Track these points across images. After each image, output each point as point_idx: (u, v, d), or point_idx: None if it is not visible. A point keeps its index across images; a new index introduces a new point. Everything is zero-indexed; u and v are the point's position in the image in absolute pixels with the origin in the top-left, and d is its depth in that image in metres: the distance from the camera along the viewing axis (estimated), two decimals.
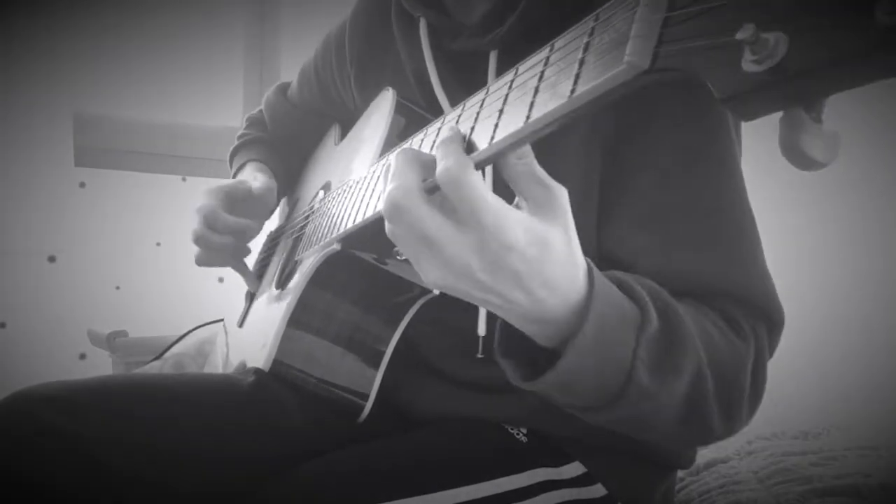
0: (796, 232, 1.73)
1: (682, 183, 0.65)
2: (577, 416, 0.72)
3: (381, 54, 0.87)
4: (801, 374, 1.52)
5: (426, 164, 0.46)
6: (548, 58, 0.42)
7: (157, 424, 0.68)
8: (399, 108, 0.79)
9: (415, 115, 0.80)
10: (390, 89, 0.81)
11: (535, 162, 0.44)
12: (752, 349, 0.61)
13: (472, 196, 0.42)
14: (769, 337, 0.64)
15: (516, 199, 0.46)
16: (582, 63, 0.38)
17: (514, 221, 0.43)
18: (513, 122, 0.42)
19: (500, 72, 0.72)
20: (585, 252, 0.48)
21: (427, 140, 0.54)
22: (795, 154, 0.31)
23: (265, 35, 2.06)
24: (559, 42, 0.41)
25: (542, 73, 0.41)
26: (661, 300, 0.54)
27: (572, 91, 0.37)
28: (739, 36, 0.29)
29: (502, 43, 0.72)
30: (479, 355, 0.74)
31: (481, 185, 0.43)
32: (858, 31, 0.25)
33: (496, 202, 0.43)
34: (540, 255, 0.44)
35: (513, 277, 0.44)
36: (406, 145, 0.57)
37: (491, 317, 0.73)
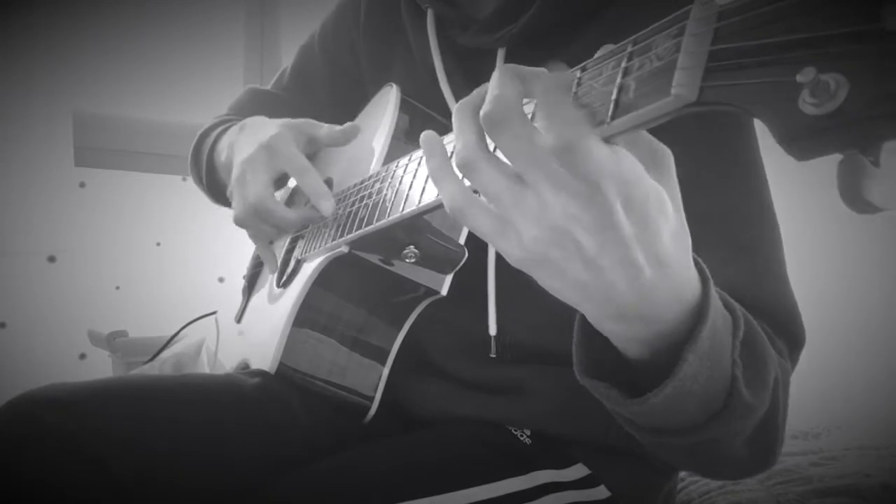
0: (796, 232, 1.73)
1: (708, 191, 0.62)
2: (578, 417, 0.72)
3: (390, 38, 0.87)
4: (801, 374, 1.52)
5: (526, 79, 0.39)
6: (580, 78, 0.40)
7: (159, 426, 0.68)
8: (404, 106, 0.78)
9: (420, 112, 0.79)
10: (393, 85, 0.81)
11: None
12: (789, 366, 0.58)
13: (593, 153, 0.35)
14: (791, 358, 0.61)
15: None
16: (621, 89, 0.37)
17: (635, 173, 0.36)
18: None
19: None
20: None
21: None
22: (854, 199, 0.30)
23: (265, 35, 2.06)
24: (592, 62, 0.40)
25: (576, 94, 0.40)
26: (731, 299, 0.49)
27: (612, 117, 0.36)
28: (800, 79, 0.28)
29: (511, 42, 0.72)
30: (493, 355, 0.73)
31: (600, 141, 0.36)
32: None
33: (617, 150, 0.36)
34: (656, 220, 0.36)
35: (622, 244, 0.36)
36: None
37: (501, 316, 0.73)
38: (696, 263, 0.42)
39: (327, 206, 0.69)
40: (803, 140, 0.29)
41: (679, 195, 0.39)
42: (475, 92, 0.42)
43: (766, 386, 0.48)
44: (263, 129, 0.77)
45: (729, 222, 0.62)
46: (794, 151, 0.30)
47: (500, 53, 0.73)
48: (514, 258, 0.40)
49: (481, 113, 0.38)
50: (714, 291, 0.42)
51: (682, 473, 1.06)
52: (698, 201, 0.60)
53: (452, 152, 0.43)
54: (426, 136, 0.45)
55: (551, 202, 0.36)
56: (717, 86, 0.32)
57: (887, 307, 1.66)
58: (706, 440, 0.46)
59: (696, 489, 1.04)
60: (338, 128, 0.77)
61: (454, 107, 0.42)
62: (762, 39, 0.30)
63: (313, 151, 0.79)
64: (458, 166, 0.40)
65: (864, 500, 0.93)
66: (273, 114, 0.88)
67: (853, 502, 0.93)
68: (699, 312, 0.41)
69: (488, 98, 0.38)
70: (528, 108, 0.42)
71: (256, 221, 0.75)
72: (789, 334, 0.61)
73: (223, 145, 0.89)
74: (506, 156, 0.38)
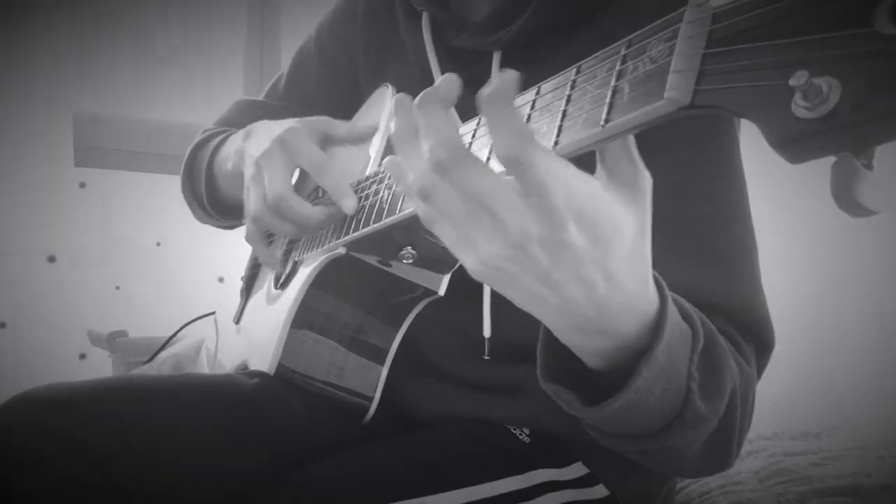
0: (796, 232, 1.73)
1: (684, 195, 0.63)
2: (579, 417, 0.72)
3: (386, 40, 0.87)
4: (801, 375, 1.52)
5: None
6: (574, 80, 0.40)
7: (159, 426, 0.68)
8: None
9: None
10: (389, 86, 0.81)
11: (632, 136, 0.39)
12: (754, 372, 0.59)
13: (539, 167, 0.36)
14: (758, 361, 0.62)
15: (596, 172, 0.41)
16: (615, 92, 0.37)
17: (588, 191, 0.37)
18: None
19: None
20: None
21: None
22: (847, 202, 0.31)
23: (265, 35, 2.06)
24: (587, 64, 0.40)
25: (569, 96, 0.40)
26: (701, 316, 0.50)
27: (606, 120, 0.36)
28: (793, 82, 0.28)
29: (507, 44, 0.72)
30: (486, 357, 0.73)
31: (549, 153, 0.37)
32: None
33: (567, 166, 0.37)
34: (609, 240, 0.38)
35: (574, 261, 0.37)
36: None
37: (496, 317, 0.73)
38: (655, 280, 0.43)
39: (350, 203, 0.66)
40: (796, 143, 0.29)
41: (648, 220, 0.40)
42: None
43: (721, 397, 0.49)
44: (274, 128, 0.74)
45: (704, 229, 0.63)
46: (787, 154, 0.30)
47: (496, 56, 0.73)
48: (472, 271, 0.41)
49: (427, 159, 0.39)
50: (671, 309, 0.43)
51: None
52: (676, 208, 0.62)
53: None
54: (388, 160, 0.46)
55: (505, 219, 0.37)
56: (710, 89, 0.32)
57: (887, 307, 1.66)
58: (669, 445, 0.48)
59: (696, 489, 1.04)
60: (359, 126, 0.76)
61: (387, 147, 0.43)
62: (755, 42, 0.30)
63: (326, 149, 0.76)
64: (417, 193, 0.40)
65: (864, 500, 0.93)
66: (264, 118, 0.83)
67: (853, 502, 0.93)
68: (655, 328, 0.43)
69: (431, 144, 0.39)
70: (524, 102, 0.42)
71: (276, 219, 0.70)
72: (757, 338, 0.62)
73: (226, 154, 0.85)
74: (458, 190, 0.39)
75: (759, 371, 0.63)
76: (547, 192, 0.36)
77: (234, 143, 0.82)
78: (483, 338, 0.74)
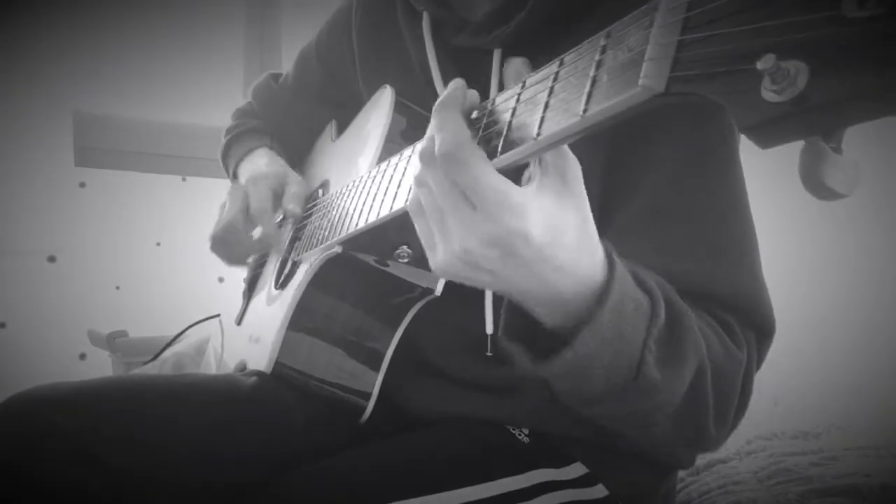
0: (796, 231, 1.73)
1: (683, 187, 0.64)
2: (578, 417, 0.72)
3: (386, 39, 0.87)
4: (800, 374, 1.52)
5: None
6: (557, 72, 0.41)
7: (158, 425, 0.68)
8: (398, 108, 0.79)
9: (414, 113, 0.79)
10: (388, 87, 0.81)
11: None
12: (745, 357, 0.60)
13: (470, 174, 0.41)
14: (758, 347, 0.63)
15: (527, 170, 0.45)
16: (594, 82, 0.37)
17: (520, 204, 0.41)
18: (522, 137, 0.42)
19: (503, 72, 0.72)
20: None
21: None
22: (815, 185, 0.31)
23: (265, 35, 2.06)
24: (569, 57, 0.41)
25: (552, 88, 0.41)
26: (668, 293, 0.53)
27: (585, 110, 0.37)
28: (760, 66, 0.28)
29: (506, 42, 0.72)
30: (489, 353, 0.73)
31: (481, 162, 0.42)
32: (877, 62, 0.25)
33: (499, 182, 0.41)
34: (552, 241, 0.43)
35: (521, 265, 0.43)
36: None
37: (498, 314, 0.73)
38: (608, 256, 0.47)
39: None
40: (766, 127, 0.29)
41: (587, 203, 0.44)
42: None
43: (681, 370, 0.51)
44: (256, 175, 0.95)
45: (702, 220, 0.64)
46: (758, 139, 0.30)
47: (496, 54, 0.73)
48: (433, 267, 0.47)
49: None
50: (617, 285, 0.47)
51: (682, 473, 1.06)
52: (674, 200, 0.64)
53: None
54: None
55: (455, 223, 0.43)
56: (684, 76, 0.32)
57: (887, 307, 1.65)
58: (626, 411, 0.52)
59: (696, 489, 1.04)
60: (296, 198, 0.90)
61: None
62: (728, 28, 0.30)
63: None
64: (414, 178, 0.47)
65: (864, 500, 0.93)
66: (277, 115, 1.07)
67: (853, 502, 0.93)
68: (599, 299, 0.47)
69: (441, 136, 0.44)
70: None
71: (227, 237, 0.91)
72: (757, 327, 0.63)
73: (241, 174, 1.03)
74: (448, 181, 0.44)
75: (760, 358, 0.64)
76: (482, 203, 0.41)
77: (242, 175, 1.01)
78: (482, 337, 0.74)
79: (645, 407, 0.51)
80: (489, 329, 0.73)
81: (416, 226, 0.48)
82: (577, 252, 0.44)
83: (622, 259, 0.50)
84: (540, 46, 0.71)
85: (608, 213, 0.67)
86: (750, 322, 0.63)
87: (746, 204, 0.67)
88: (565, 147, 0.43)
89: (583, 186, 0.44)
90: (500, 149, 0.43)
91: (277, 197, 0.92)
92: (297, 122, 1.08)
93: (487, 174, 0.42)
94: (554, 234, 0.42)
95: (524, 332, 0.51)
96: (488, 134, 0.45)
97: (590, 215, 0.45)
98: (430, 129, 0.46)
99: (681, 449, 0.74)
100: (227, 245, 0.93)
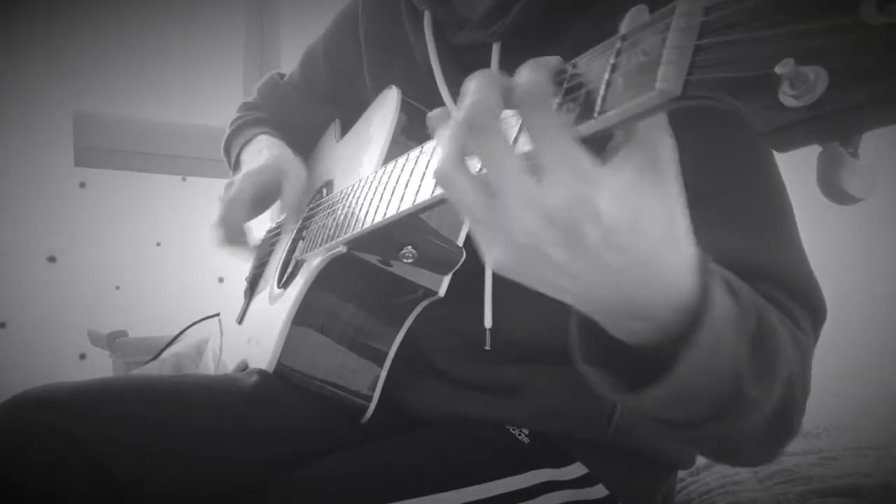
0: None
1: (719, 166, 0.61)
2: (577, 416, 0.72)
3: (392, 39, 0.87)
4: None
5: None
6: (570, 74, 0.41)
7: (158, 426, 0.68)
8: (404, 108, 0.79)
9: (420, 113, 0.79)
10: (394, 87, 0.81)
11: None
12: (810, 343, 0.56)
13: (555, 134, 0.35)
14: (814, 329, 0.59)
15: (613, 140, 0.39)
16: (609, 84, 0.37)
17: (589, 171, 0.35)
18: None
19: (502, 64, 0.72)
20: None
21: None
22: (833, 189, 0.31)
23: (265, 35, 2.06)
24: (582, 60, 0.40)
25: (567, 89, 0.40)
26: (747, 292, 0.47)
27: (600, 112, 0.37)
28: (779, 70, 0.28)
29: (505, 35, 0.72)
30: (487, 347, 0.73)
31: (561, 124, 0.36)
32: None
33: (580, 151, 0.35)
34: (628, 226, 0.35)
35: (591, 254, 0.36)
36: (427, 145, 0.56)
37: (497, 308, 0.73)
38: (700, 263, 0.40)
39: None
40: (784, 131, 0.29)
41: (677, 191, 0.38)
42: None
43: (774, 381, 0.47)
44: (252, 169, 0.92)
45: (743, 197, 0.61)
46: (775, 143, 0.30)
47: (495, 48, 0.73)
48: (492, 262, 0.40)
49: (460, 118, 0.38)
50: (718, 295, 0.40)
51: (682, 473, 1.06)
52: (711, 178, 0.59)
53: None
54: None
55: (516, 202, 0.37)
56: (700, 80, 0.32)
57: (887, 307, 1.65)
58: (723, 432, 0.46)
59: (696, 489, 1.04)
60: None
61: (451, 107, 0.43)
62: (746, 33, 0.30)
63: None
64: (436, 179, 0.40)
65: (864, 500, 0.93)
66: (282, 111, 1.07)
67: (853, 502, 0.93)
68: (695, 316, 0.40)
69: (466, 103, 0.38)
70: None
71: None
72: (812, 308, 0.59)
73: (243, 162, 1.01)
74: (482, 163, 0.38)
75: (815, 340, 0.60)
76: (560, 173, 0.35)
77: (246, 163, 0.98)
78: (483, 333, 0.74)
79: (741, 425, 0.46)
80: (488, 324, 0.73)
81: (467, 218, 0.40)
82: (662, 253, 0.37)
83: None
84: (540, 38, 0.71)
85: None
86: (804, 303, 0.58)
87: (782, 181, 0.64)
88: (664, 120, 0.37)
89: (676, 172, 0.37)
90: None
91: (273, 190, 0.90)
92: (302, 119, 1.08)
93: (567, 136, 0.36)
94: (631, 218, 0.35)
95: (604, 354, 0.44)
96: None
97: (681, 205, 0.38)
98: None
99: (763, 459, 0.60)
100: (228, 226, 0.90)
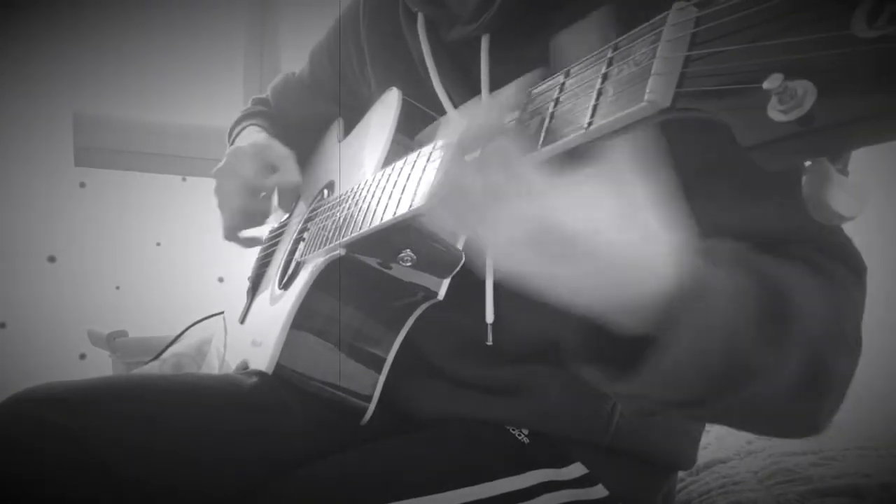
0: None
1: (721, 136, 0.59)
2: (576, 416, 0.72)
3: (393, 41, 0.87)
4: None
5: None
6: (563, 84, 0.41)
7: (158, 425, 0.68)
8: (405, 108, 0.79)
9: (421, 114, 0.79)
10: (395, 89, 0.81)
11: None
12: (856, 298, 0.55)
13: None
14: (857, 285, 0.58)
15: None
16: (600, 94, 0.37)
17: (552, 195, 0.38)
18: (526, 148, 0.42)
19: (492, 56, 0.72)
20: None
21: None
22: (820, 208, 0.30)
23: (265, 35, 2.06)
24: (575, 68, 0.40)
25: (558, 99, 0.41)
26: (756, 262, 0.48)
27: (589, 123, 0.37)
28: (767, 85, 0.28)
29: (491, 27, 0.72)
30: (489, 342, 0.73)
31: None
32: (887, 83, 0.25)
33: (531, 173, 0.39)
34: (585, 227, 0.38)
35: (570, 265, 0.39)
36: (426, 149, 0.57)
37: (497, 308, 0.73)
38: (681, 248, 0.42)
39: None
40: (771, 146, 0.29)
41: (640, 198, 0.40)
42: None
43: (791, 344, 0.46)
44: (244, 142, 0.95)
45: (750, 169, 0.60)
46: (762, 158, 0.30)
47: (484, 40, 0.73)
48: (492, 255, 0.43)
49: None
50: (710, 275, 0.42)
51: (682, 473, 1.06)
52: (733, 151, 0.57)
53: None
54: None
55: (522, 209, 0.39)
56: (690, 92, 0.32)
57: (887, 307, 1.65)
58: (734, 406, 0.46)
59: (695, 489, 1.04)
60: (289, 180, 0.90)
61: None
62: (736, 46, 0.30)
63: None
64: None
65: (864, 500, 0.93)
66: (289, 107, 1.11)
67: (853, 502, 0.93)
68: (681, 302, 0.41)
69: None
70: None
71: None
72: (852, 266, 0.59)
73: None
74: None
75: (862, 292, 0.59)
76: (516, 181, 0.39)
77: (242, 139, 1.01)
78: (483, 332, 0.74)
79: (753, 397, 0.45)
80: (489, 318, 0.73)
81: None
82: (635, 249, 0.40)
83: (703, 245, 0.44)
84: (526, 29, 0.70)
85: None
86: (847, 259, 0.58)
87: None
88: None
89: (639, 177, 0.39)
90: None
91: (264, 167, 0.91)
92: (310, 116, 1.10)
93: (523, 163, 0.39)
94: (588, 230, 0.39)
95: (599, 351, 0.47)
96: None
97: (651, 210, 0.40)
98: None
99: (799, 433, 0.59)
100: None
